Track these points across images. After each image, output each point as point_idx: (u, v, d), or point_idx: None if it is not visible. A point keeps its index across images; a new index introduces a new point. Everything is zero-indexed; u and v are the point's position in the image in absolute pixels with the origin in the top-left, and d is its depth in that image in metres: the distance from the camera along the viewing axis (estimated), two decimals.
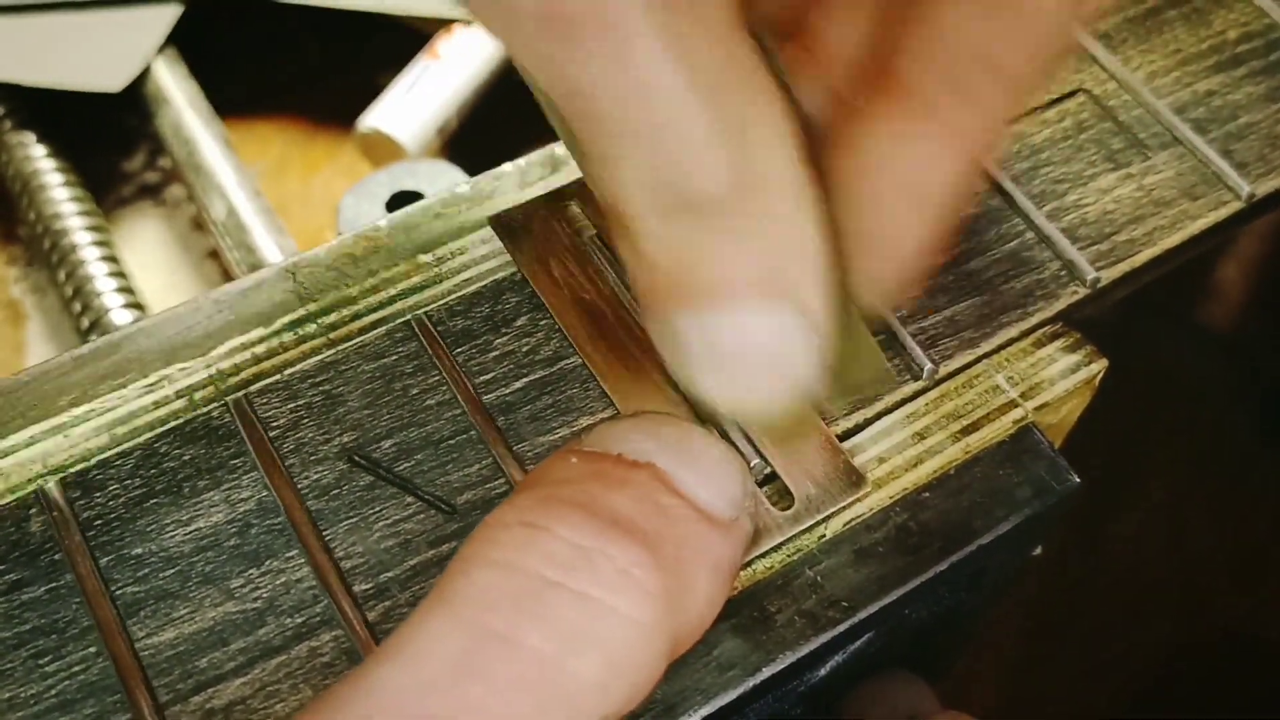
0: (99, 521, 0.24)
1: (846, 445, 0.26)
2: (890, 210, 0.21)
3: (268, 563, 0.24)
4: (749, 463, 0.25)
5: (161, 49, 0.46)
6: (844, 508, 0.25)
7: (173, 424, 0.25)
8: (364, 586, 0.24)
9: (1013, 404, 0.28)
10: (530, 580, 0.19)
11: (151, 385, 0.26)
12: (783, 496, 0.25)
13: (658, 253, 0.20)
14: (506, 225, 0.28)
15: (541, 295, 0.27)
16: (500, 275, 0.28)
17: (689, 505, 0.21)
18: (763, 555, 0.25)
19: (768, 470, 0.25)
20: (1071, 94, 0.32)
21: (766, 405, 0.21)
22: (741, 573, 0.25)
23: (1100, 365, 0.29)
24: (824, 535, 0.26)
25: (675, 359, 0.21)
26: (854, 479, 0.26)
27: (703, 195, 0.19)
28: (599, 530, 0.20)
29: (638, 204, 0.19)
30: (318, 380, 0.26)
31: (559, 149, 0.31)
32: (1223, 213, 0.31)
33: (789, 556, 0.25)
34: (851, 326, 0.22)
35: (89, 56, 0.46)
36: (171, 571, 0.24)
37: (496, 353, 0.27)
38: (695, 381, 0.21)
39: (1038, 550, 0.31)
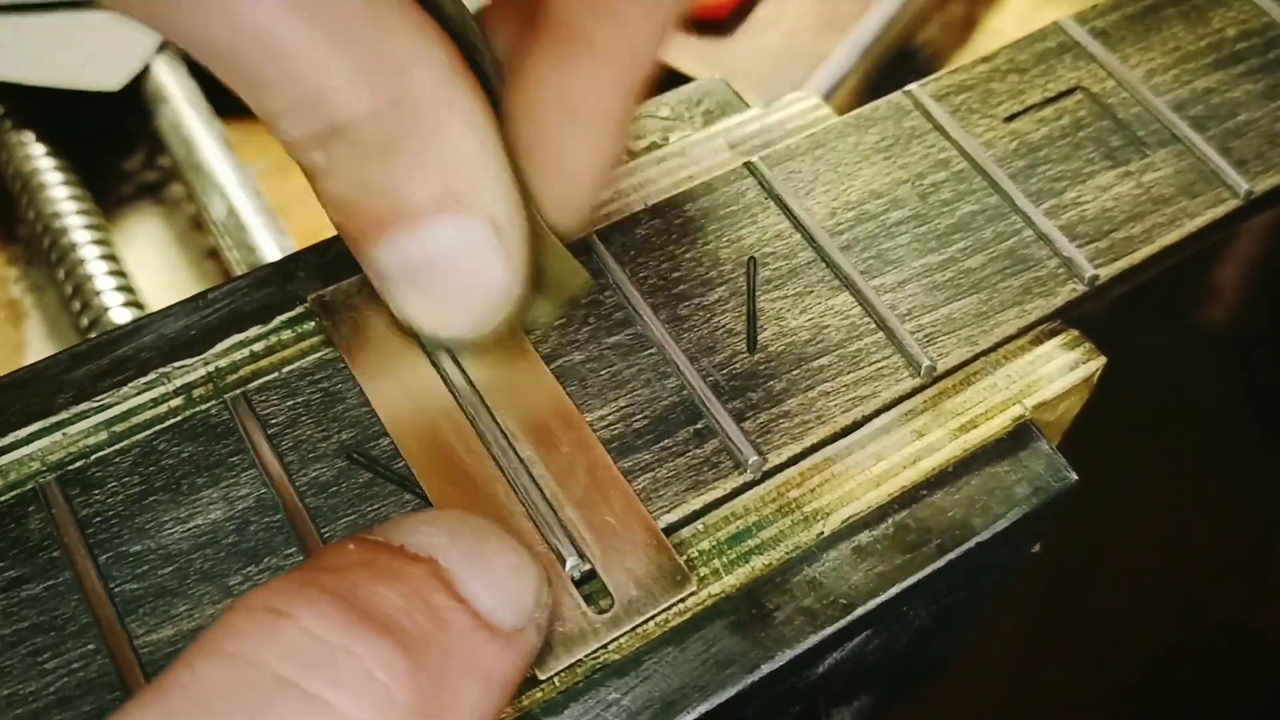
0: (98, 519, 0.24)
1: (680, 534, 0.25)
2: (558, 132, 0.23)
3: (266, 560, 0.24)
4: (566, 560, 0.24)
5: (161, 48, 0.46)
6: (667, 608, 0.24)
7: (171, 421, 0.25)
8: None
9: (1011, 401, 0.28)
10: (260, 676, 0.17)
11: (150, 383, 0.26)
12: (603, 596, 0.24)
13: (335, 188, 0.22)
14: (328, 306, 0.27)
15: (361, 381, 0.26)
16: None
17: (466, 610, 0.19)
18: (761, 554, 0.25)
19: (587, 568, 0.24)
20: (1070, 92, 0.32)
21: (472, 318, 0.23)
22: (739, 570, 0.25)
23: (1098, 363, 0.29)
24: (822, 533, 0.26)
25: (384, 292, 0.23)
26: (679, 578, 0.24)
27: (349, 119, 0.20)
28: (349, 624, 0.18)
29: (296, 136, 0.21)
30: (316, 378, 0.26)
31: None
32: (1221, 210, 0.31)
33: (788, 554, 0.25)
34: (545, 241, 0.24)
35: (89, 56, 0.46)
36: (170, 569, 0.24)
37: None
38: (404, 310, 0.23)
39: (1036, 548, 0.31)
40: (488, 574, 0.20)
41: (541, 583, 0.21)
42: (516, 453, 0.25)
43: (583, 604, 0.24)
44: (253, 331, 0.27)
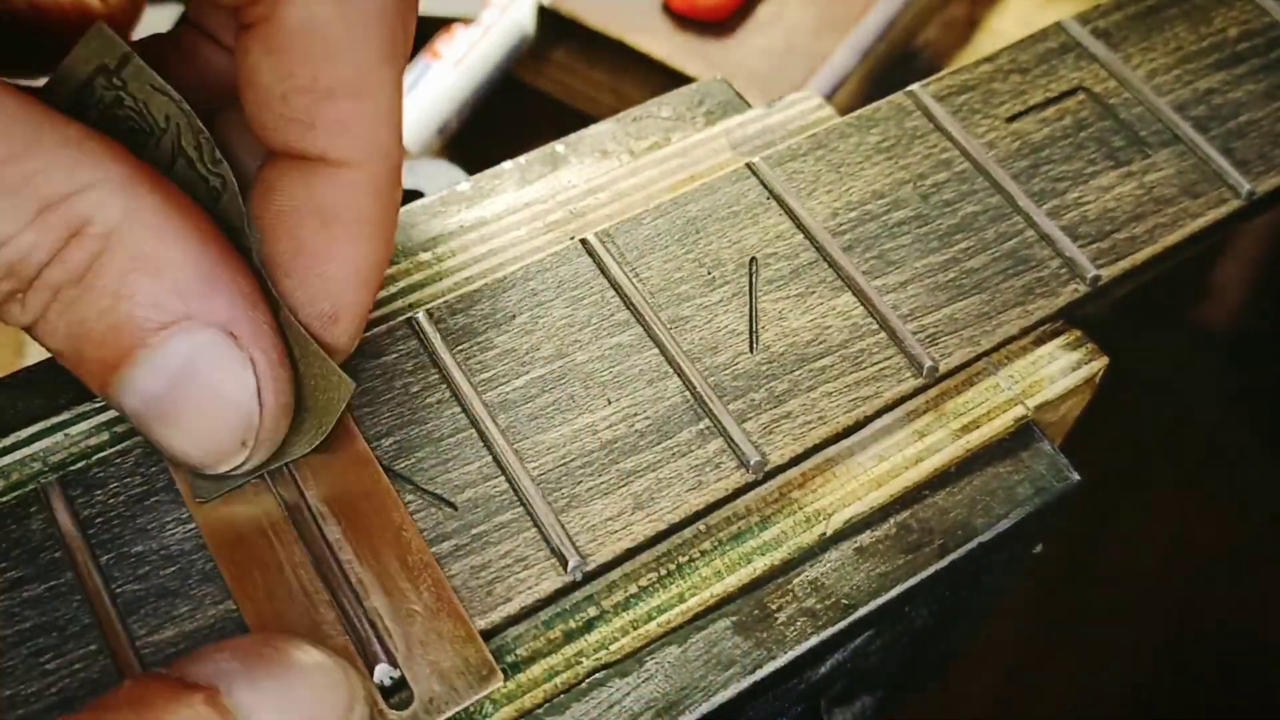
0: (99, 519, 0.24)
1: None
2: (314, 243, 0.22)
3: None
4: (374, 669, 0.23)
5: None
6: (470, 705, 0.23)
7: None
8: None
9: (1013, 401, 0.28)
10: None
11: None
12: (404, 689, 0.23)
13: (51, 338, 0.21)
14: None
15: (172, 470, 0.24)
16: (501, 274, 0.28)
17: None
18: (763, 554, 0.25)
19: (397, 675, 0.23)
20: (1071, 92, 0.32)
21: (228, 435, 0.21)
22: (741, 570, 0.25)
23: (1100, 363, 0.29)
24: (824, 533, 0.26)
25: (140, 427, 0.21)
26: (485, 672, 0.23)
27: (30, 266, 0.19)
28: None
29: None
30: None
31: (559, 147, 0.31)
32: (1223, 210, 0.31)
33: (790, 554, 0.25)
34: (304, 349, 0.23)
35: None
36: (172, 569, 0.24)
37: (496, 350, 0.27)
38: (162, 446, 0.21)
39: (1038, 548, 0.31)
40: (281, 698, 0.20)
41: (351, 701, 0.21)
42: (324, 535, 0.24)
43: (380, 701, 0.22)
44: None
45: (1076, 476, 0.27)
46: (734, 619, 0.25)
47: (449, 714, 0.23)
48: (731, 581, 0.25)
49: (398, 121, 0.22)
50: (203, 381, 0.21)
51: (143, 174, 0.20)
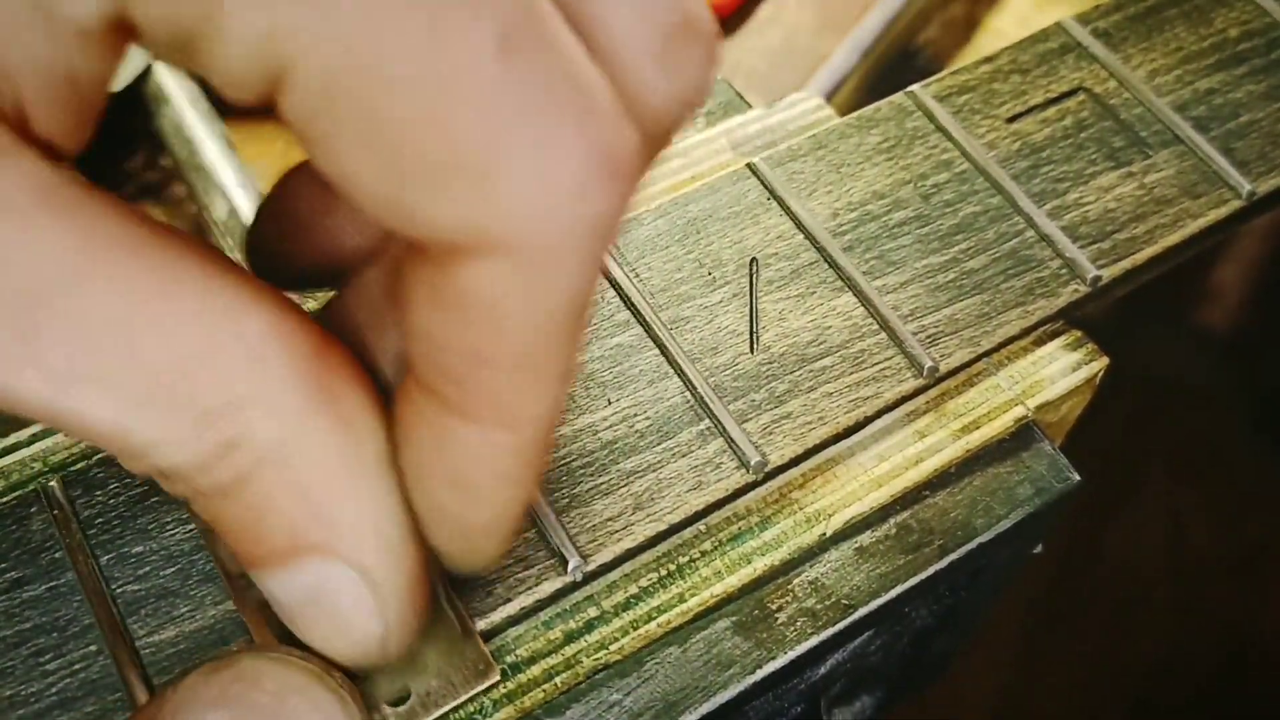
0: (100, 519, 0.24)
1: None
2: (447, 501, 0.21)
3: None
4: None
5: None
6: (467, 700, 0.23)
7: None
8: None
9: (1014, 402, 0.28)
10: None
11: None
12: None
13: (201, 518, 0.20)
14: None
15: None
16: None
17: None
18: (763, 555, 0.25)
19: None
20: (1072, 92, 0.32)
21: (353, 658, 0.21)
22: (741, 570, 0.25)
23: (1101, 364, 0.29)
24: (825, 533, 0.26)
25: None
26: (482, 668, 0.23)
27: (175, 472, 0.19)
28: None
29: (139, 474, 0.20)
30: None
31: None
32: (1224, 211, 0.31)
33: (789, 554, 0.25)
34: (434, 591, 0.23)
35: None
36: (172, 569, 0.24)
37: None
38: (287, 624, 0.21)
39: (1038, 549, 0.31)
40: None
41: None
42: None
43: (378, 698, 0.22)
44: None
45: (1076, 476, 0.27)
46: (734, 619, 0.25)
47: (446, 709, 0.23)
48: (731, 582, 0.25)
49: (560, 391, 0.20)
50: (329, 609, 0.20)
51: (317, 393, 0.19)
